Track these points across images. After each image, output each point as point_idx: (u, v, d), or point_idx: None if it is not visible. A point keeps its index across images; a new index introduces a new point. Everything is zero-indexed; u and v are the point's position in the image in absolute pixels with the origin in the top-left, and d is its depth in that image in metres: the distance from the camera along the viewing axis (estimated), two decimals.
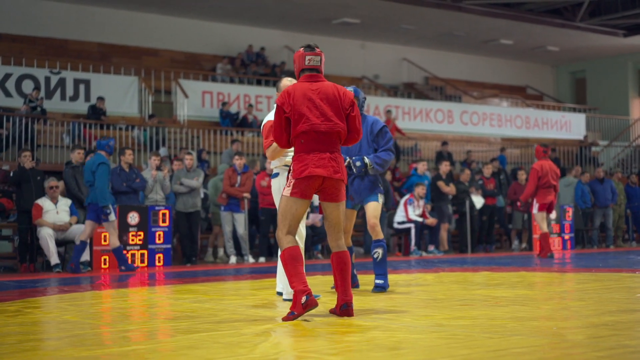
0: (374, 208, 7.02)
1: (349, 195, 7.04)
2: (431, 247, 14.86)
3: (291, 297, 5.38)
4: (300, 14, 22.08)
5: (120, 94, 17.89)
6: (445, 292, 6.91)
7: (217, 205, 13.42)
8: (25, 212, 11.49)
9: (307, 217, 10.74)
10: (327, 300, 6.25)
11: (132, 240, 11.85)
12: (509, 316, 5.04)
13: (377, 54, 25.65)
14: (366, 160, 6.90)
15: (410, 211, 14.53)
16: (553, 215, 15.16)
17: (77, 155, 12.21)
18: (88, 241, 11.06)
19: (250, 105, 19.33)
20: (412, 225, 14.47)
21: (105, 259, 11.59)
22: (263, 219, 13.30)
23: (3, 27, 19.71)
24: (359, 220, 14.02)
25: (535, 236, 14.64)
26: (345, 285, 5.16)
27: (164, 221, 12.17)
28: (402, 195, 15.46)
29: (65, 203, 11.58)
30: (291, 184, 5.14)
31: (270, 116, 6.16)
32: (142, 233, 11.95)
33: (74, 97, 17.40)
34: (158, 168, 12.73)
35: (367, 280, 8.05)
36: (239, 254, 13.48)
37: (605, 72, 28.25)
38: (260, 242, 13.74)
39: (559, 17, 23.16)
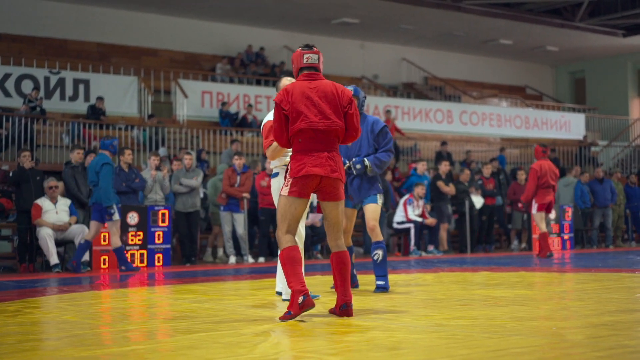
0: (373, 210, 7.02)
1: (348, 194, 7.05)
2: (431, 247, 14.86)
3: (290, 297, 5.38)
4: (299, 14, 22.08)
5: (120, 94, 17.90)
6: (445, 292, 6.91)
7: (216, 205, 13.42)
8: (25, 212, 11.49)
9: (307, 217, 10.73)
10: (327, 300, 6.25)
11: (132, 240, 11.86)
12: (509, 316, 5.04)
13: (376, 54, 25.65)
14: (366, 162, 6.92)
15: (410, 211, 14.54)
16: (552, 215, 15.17)
17: (76, 155, 12.21)
18: (92, 241, 11.10)
19: (250, 105, 19.33)
20: (411, 225, 14.47)
21: (104, 259, 11.59)
22: (263, 219, 13.30)
23: (2, 27, 19.70)
24: (358, 220, 14.02)
25: (535, 236, 14.64)
26: (344, 286, 5.16)
27: (163, 221, 12.17)
28: (401, 196, 15.46)
29: (64, 203, 11.58)
30: (289, 183, 5.14)
31: (270, 116, 6.16)
32: (141, 233, 11.95)
33: (74, 97, 17.40)
34: (157, 168, 12.73)
35: (366, 280, 8.05)
36: (239, 254, 13.48)
37: (605, 72, 28.26)
38: (260, 242, 13.74)
39: (558, 17, 23.17)
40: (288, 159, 6.25)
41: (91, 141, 15.67)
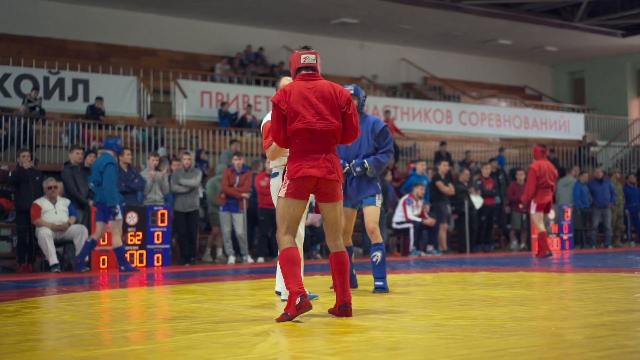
0: (372, 212, 7.02)
1: (347, 194, 7.04)
2: (430, 247, 14.86)
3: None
4: (299, 14, 22.08)
5: (119, 94, 17.89)
6: (444, 292, 6.91)
7: (215, 205, 13.42)
8: (24, 212, 11.49)
9: (306, 217, 10.74)
10: (326, 300, 6.25)
11: (131, 240, 11.86)
12: (508, 316, 5.04)
13: (375, 54, 25.65)
14: (366, 164, 6.92)
15: (409, 211, 14.54)
16: (551, 215, 15.17)
17: (75, 156, 12.21)
18: (98, 241, 11.11)
19: (249, 106, 19.33)
20: (410, 226, 14.47)
21: (103, 259, 11.60)
22: (262, 219, 13.30)
23: (2, 27, 19.70)
24: (357, 220, 14.01)
25: (534, 236, 14.65)
26: (343, 286, 5.16)
27: (162, 221, 12.17)
28: (400, 196, 15.47)
29: (63, 203, 11.58)
30: (286, 184, 5.14)
31: (270, 116, 6.16)
32: (140, 233, 11.95)
33: (73, 97, 17.39)
34: (157, 168, 12.73)
35: (366, 280, 8.05)
36: (238, 254, 13.48)
37: (604, 72, 28.26)
38: (259, 242, 13.74)
39: (557, 17, 23.17)
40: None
41: (90, 141, 15.66)
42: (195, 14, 21.98)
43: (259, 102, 19.98)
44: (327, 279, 8.34)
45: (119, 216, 10.86)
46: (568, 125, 25.47)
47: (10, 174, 11.98)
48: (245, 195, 13.03)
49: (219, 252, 13.78)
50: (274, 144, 5.78)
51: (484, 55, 27.65)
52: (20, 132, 14.67)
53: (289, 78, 6.31)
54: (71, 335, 4.69)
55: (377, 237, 7.01)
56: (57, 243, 11.41)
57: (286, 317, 4.92)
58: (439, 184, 15.28)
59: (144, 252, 11.97)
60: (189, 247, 12.88)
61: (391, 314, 5.39)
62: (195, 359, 3.74)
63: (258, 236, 13.88)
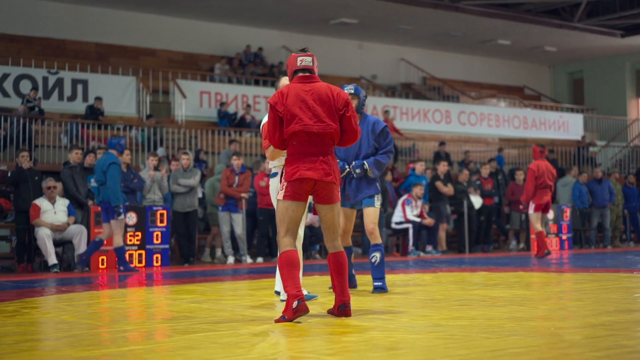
0: (372, 213, 7.02)
1: (345, 194, 7.04)
2: (429, 248, 14.87)
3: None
4: (298, 14, 22.08)
5: (118, 94, 17.89)
6: (443, 293, 6.91)
7: (214, 205, 13.42)
8: (23, 212, 11.48)
9: (306, 218, 10.73)
10: (325, 301, 6.26)
11: (130, 240, 11.85)
12: (507, 316, 5.04)
13: (374, 54, 25.65)
14: (366, 166, 6.92)
15: (408, 211, 14.54)
16: (550, 215, 15.18)
17: (74, 156, 12.21)
18: (105, 241, 11.14)
19: (248, 106, 19.33)
20: (410, 226, 14.48)
21: (102, 259, 11.59)
22: (261, 219, 13.30)
23: (1, 26, 19.69)
24: (357, 220, 14.02)
25: (533, 236, 14.65)
26: (342, 286, 5.16)
27: (161, 221, 12.16)
28: (400, 196, 15.47)
29: (63, 203, 11.57)
30: (284, 187, 5.15)
31: None
32: (139, 233, 11.95)
33: (72, 97, 17.40)
34: (156, 168, 12.73)
35: (365, 280, 8.05)
36: (237, 254, 13.48)
37: (603, 73, 28.27)
38: (258, 242, 13.74)
39: (556, 17, 23.18)
40: None
41: (89, 141, 15.66)
42: (195, 14, 21.98)
43: (258, 102, 19.99)
44: (326, 279, 8.34)
45: (122, 216, 10.88)
46: (567, 126, 25.48)
47: (9, 174, 11.98)
48: (245, 195, 13.03)
49: (218, 252, 13.77)
50: None
51: (483, 55, 27.66)
52: (19, 132, 14.67)
53: (288, 78, 6.31)
54: (70, 335, 4.69)
55: (376, 238, 7.01)
56: (56, 243, 11.41)
57: (283, 320, 4.93)
58: (438, 184, 15.28)
59: (143, 252, 11.97)
60: (188, 247, 12.88)
61: (390, 314, 5.39)
62: (195, 359, 3.74)
63: (257, 236, 13.88)
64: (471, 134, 23.23)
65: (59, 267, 11.13)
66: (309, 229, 13.24)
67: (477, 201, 15.93)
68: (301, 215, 5.20)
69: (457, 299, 6.27)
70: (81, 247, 11.31)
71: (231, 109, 19.40)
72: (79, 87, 17.48)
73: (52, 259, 11.05)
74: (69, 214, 11.58)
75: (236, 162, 13.04)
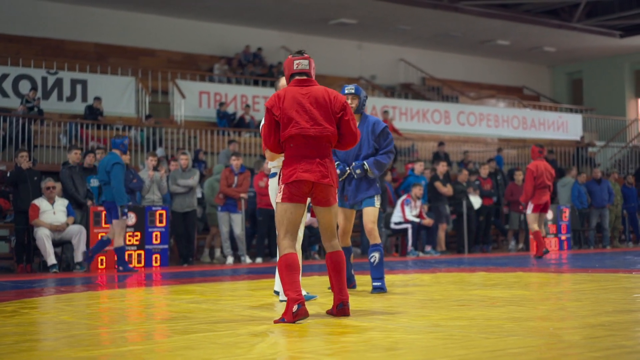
0: (371, 213, 7.02)
1: (344, 194, 7.04)
2: (428, 248, 14.87)
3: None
4: (297, 14, 22.08)
5: (117, 94, 17.89)
6: (442, 293, 6.91)
7: (213, 205, 13.42)
8: (22, 212, 11.48)
9: (305, 219, 10.74)
10: (325, 301, 6.25)
11: (129, 240, 11.85)
12: (506, 317, 5.04)
13: (374, 55, 25.65)
14: (366, 166, 6.92)
15: (408, 212, 14.54)
16: (549, 215, 15.18)
17: (74, 156, 12.21)
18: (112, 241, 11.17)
19: (248, 106, 19.33)
20: (409, 226, 14.48)
21: (102, 259, 11.59)
22: (261, 219, 13.30)
23: (0, 27, 19.68)
24: (356, 220, 14.02)
25: (532, 237, 14.64)
26: (340, 285, 5.17)
27: (160, 222, 12.17)
28: (399, 196, 15.48)
29: (62, 203, 11.57)
30: (281, 189, 5.15)
31: None
32: (139, 233, 11.95)
33: (71, 98, 17.40)
34: (155, 168, 12.73)
35: (364, 280, 8.06)
36: (236, 254, 13.48)
37: (602, 73, 28.28)
38: (258, 242, 13.74)
39: (555, 17, 23.19)
40: None
41: (89, 141, 15.66)
42: (194, 14, 21.98)
43: (257, 102, 19.98)
44: (325, 280, 8.34)
45: (126, 216, 10.90)
46: (566, 126, 25.49)
47: (8, 174, 11.98)
48: (244, 195, 13.03)
49: (217, 252, 13.77)
50: None
51: (482, 55, 27.66)
52: (18, 132, 14.67)
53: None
54: (69, 335, 4.68)
55: (375, 238, 7.01)
56: (56, 243, 11.41)
57: (283, 322, 4.93)
58: (437, 184, 15.28)
59: (142, 252, 11.97)
60: (187, 247, 12.88)
61: (389, 314, 5.39)
62: (194, 359, 3.74)
63: (257, 236, 13.87)
64: (470, 134, 23.23)
65: (58, 268, 11.13)
66: (308, 229, 13.24)
67: (476, 201, 15.94)
68: (300, 217, 5.20)
69: (456, 299, 6.27)
70: (80, 247, 11.31)
71: (230, 109, 19.40)
72: (78, 87, 17.48)
73: (51, 259, 11.05)
74: (68, 214, 11.59)
75: (235, 162, 13.03)
